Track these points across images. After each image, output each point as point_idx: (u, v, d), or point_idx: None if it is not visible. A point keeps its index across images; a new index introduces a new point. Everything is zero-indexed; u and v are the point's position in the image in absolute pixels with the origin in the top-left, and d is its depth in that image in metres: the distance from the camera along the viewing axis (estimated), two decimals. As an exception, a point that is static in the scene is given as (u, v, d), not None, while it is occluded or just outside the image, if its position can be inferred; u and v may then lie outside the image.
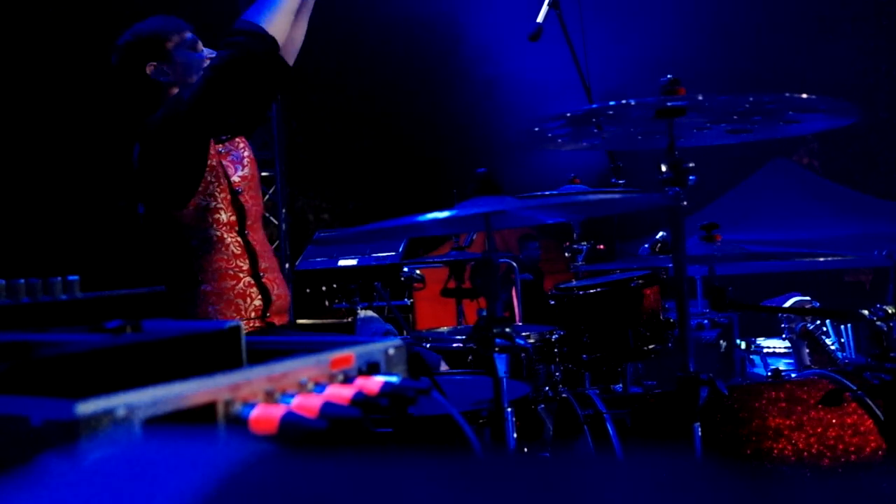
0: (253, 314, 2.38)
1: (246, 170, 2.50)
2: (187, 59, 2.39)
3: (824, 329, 3.60)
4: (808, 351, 3.54)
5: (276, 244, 7.42)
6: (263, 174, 6.70)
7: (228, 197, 2.39)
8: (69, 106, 5.51)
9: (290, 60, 2.55)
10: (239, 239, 2.40)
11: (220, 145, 2.47)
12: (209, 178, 2.34)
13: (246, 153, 2.55)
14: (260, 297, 2.40)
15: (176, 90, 2.40)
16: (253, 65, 2.23)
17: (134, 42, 2.40)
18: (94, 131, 5.51)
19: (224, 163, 2.44)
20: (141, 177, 2.38)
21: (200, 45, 2.45)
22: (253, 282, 2.39)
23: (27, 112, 5.38)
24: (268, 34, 2.23)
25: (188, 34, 2.44)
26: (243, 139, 2.58)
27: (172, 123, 2.28)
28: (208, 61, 2.35)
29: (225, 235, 2.37)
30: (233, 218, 2.39)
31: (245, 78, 2.24)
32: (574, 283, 2.87)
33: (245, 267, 2.39)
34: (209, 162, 2.35)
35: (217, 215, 2.36)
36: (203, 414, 0.67)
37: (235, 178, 2.44)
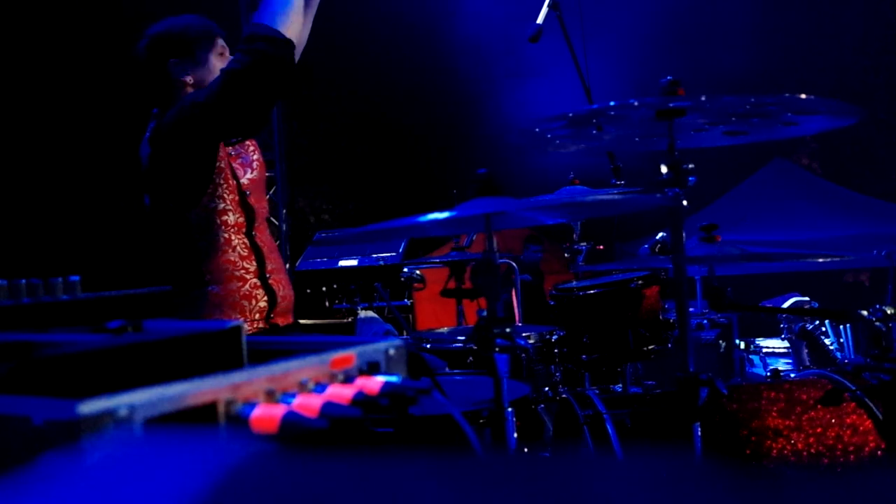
0: (257, 315, 2.38)
1: (255, 173, 2.50)
2: (211, 64, 2.39)
3: (823, 329, 3.61)
4: (807, 351, 3.54)
5: (276, 244, 7.41)
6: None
7: (237, 199, 2.39)
8: (71, 106, 5.51)
9: (295, 59, 2.54)
10: (246, 240, 2.40)
11: (230, 148, 2.47)
12: (218, 181, 2.34)
13: (255, 156, 2.54)
14: (266, 298, 2.40)
15: (190, 90, 2.38)
16: (272, 71, 2.17)
17: (164, 34, 2.39)
18: (95, 131, 5.51)
19: (234, 165, 2.43)
20: (150, 176, 2.38)
21: (228, 54, 2.43)
22: (259, 283, 2.39)
23: (29, 112, 5.38)
24: (285, 38, 2.18)
25: (219, 40, 2.43)
26: (253, 142, 2.57)
27: (185, 125, 2.26)
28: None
29: (232, 237, 2.37)
30: (240, 220, 2.39)
31: (263, 84, 2.20)
32: (574, 283, 2.87)
33: (252, 269, 2.39)
34: (218, 164, 2.34)
35: (225, 217, 2.35)
36: (204, 414, 0.67)
37: (244, 181, 2.43)
